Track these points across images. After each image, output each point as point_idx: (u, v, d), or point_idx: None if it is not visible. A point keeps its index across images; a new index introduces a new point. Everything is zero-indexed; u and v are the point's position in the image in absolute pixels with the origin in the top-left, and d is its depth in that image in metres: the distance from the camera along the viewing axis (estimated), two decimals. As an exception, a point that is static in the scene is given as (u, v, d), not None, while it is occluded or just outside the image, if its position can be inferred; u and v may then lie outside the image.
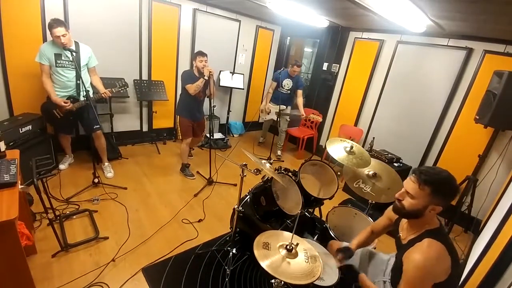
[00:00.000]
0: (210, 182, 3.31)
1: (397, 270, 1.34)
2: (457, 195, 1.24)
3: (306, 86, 6.79)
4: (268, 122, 4.72)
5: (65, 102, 2.72)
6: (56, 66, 2.66)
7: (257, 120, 4.60)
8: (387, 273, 1.55)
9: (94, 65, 2.94)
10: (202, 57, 3.05)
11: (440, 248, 1.16)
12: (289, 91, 4.23)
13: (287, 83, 4.21)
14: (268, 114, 4.42)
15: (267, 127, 4.93)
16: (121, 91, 3.04)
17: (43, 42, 2.96)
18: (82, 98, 2.83)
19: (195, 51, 3.17)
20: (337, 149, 2.16)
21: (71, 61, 2.67)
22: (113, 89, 2.94)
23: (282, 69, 4.27)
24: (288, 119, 4.38)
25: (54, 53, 2.63)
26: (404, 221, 1.42)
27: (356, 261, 1.70)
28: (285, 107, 4.25)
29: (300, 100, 4.26)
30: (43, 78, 2.67)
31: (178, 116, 3.35)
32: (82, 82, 2.60)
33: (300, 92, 4.25)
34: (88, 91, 2.76)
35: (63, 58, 2.67)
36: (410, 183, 1.25)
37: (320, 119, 4.09)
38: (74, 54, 2.65)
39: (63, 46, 2.57)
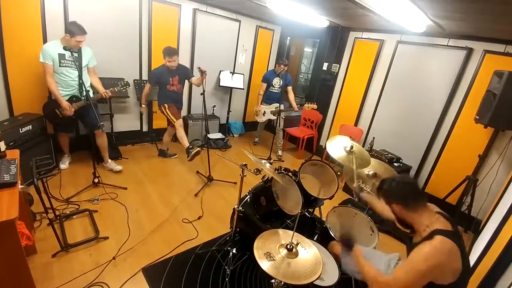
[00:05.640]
0: (209, 179, 3.31)
1: None
2: (396, 187, 1.35)
3: (306, 86, 6.81)
4: (263, 123, 4.73)
5: (69, 107, 2.78)
6: (60, 66, 2.70)
7: (257, 120, 4.62)
8: (389, 273, 1.55)
9: (93, 65, 2.99)
10: (170, 58, 3.21)
11: (453, 246, 1.14)
12: (280, 89, 4.29)
13: (277, 82, 4.29)
14: (264, 115, 4.45)
15: (262, 128, 4.95)
16: (123, 90, 3.09)
17: (43, 42, 2.96)
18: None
19: (165, 48, 3.27)
20: (337, 149, 2.16)
21: (73, 61, 2.71)
22: (115, 88, 3.00)
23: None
24: (284, 117, 4.42)
25: (58, 53, 2.65)
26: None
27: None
28: (277, 105, 4.26)
29: (291, 96, 4.39)
30: (47, 78, 2.69)
31: (164, 105, 3.44)
32: (83, 82, 2.61)
33: (290, 88, 4.37)
34: (88, 91, 2.78)
35: (66, 58, 2.71)
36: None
37: (314, 106, 4.09)
38: (76, 54, 2.72)
39: (73, 48, 2.67)
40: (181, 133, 3.42)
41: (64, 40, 2.68)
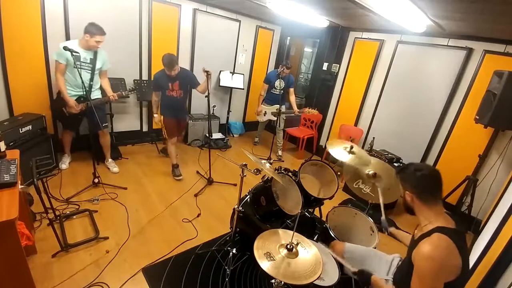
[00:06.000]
0: (210, 182, 3.32)
1: (403, 265, 1.33)
2: (419, 178, 1.31)
3: (306, 86, 6.81)
4: (263, 123, 4.74)
5: (76, 105, 2.83)
6: (75, 67, 2.71)
7: (257, 120, 4.62)
8: (391, 272, 1.56)
9: (107, 68, 3.05)
10: (170, 69, 2.97)
11: (449, 243, 1.15)
12: (282, 91, 4.29)
13: (279, 84, 4.28)
14: (265, 115, 4.45)
15: (262, 128, 4.95)
16: (130, 93, 3.14)
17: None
18: (94, 97, 2.94)
19: (164, 58, 2.97)
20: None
21: (88, 63, 2.78)
22: (122, 92, 3.07)
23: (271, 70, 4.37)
24: (285, 118, 4.43)
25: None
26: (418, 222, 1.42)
27: (357, 260, 1.69)
28: (278, 106, 4.26)
29: (292, 98, 4.37)
30: (57, 75, 2.75)
31: (162, 116, 3.33)
32: (83, 83, 2.62)
33: (291, 90, 4.37)
34: (89, 92, 2.80)
35: (81, 59, 2.75)
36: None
37: (315, 112, 4.08)
38: (92, 57, 2.81)
39: (92, 49, 2.76)
40: (171, 149, 3.38)
41: (82, 41, 2.74)
